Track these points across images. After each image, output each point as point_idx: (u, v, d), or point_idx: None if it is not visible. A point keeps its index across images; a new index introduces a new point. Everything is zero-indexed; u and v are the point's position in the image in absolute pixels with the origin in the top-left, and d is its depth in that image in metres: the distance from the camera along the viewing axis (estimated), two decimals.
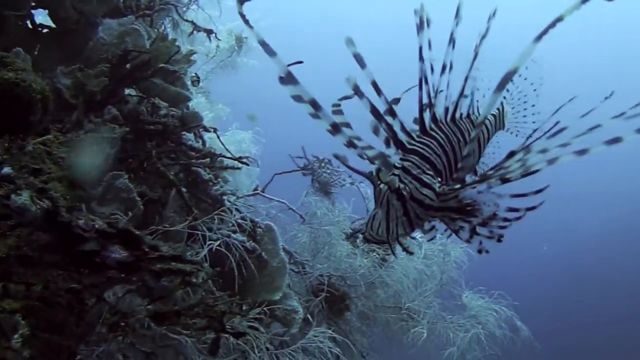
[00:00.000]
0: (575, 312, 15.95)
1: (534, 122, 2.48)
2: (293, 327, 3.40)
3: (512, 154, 1.84)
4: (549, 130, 1.83)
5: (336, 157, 1.96)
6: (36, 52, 3.38)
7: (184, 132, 3.46)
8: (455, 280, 4.96)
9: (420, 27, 1.89)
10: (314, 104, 1.65)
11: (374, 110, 1.79)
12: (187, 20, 4.77)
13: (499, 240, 1.92)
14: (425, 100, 1.99)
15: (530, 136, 1.90)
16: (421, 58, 1.91)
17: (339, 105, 2.02)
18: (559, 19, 1.40)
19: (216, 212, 3.10)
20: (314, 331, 3.52)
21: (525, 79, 2.52)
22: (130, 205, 2.71)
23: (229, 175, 4.12)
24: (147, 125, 3.28)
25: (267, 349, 3.11)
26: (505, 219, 1.87)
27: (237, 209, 3.40)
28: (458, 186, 1.86)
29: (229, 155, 3.69)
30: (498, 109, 2.45)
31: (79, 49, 3.44)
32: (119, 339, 1.81)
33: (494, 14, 2.07)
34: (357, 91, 1.72)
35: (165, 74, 3.41)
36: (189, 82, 3.68)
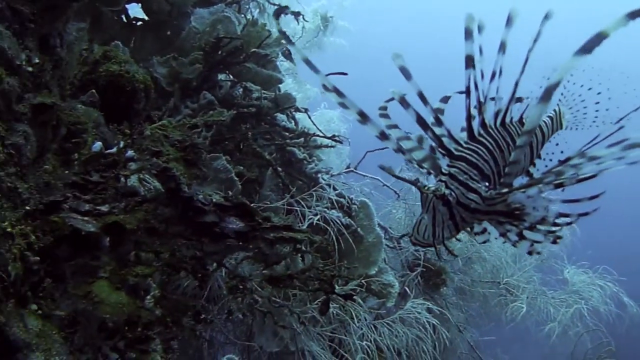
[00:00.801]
0: None
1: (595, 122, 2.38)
2: (389, 300, 3.46)
3: (567, 160, 1.82)
4: (607, 137, 1.80)
5: (382, 168, 1.99)
6: (132, 44, 3.58)
7: (276, 114, 3.57)
8: (556, 254, 4.81)
9: (467, 36, 1.86)
10: (362, 114, 1.73)
11: (421, 120, 1.82)
12: (273, 4, 4.84)
13: (554, 242, 1.91)
14: (474, 105, 1.98)
15: (589, 143, 1.88)
16: (468, 66, 1.89)
17: (386, 108, 2.05)
18: (603, 35, 1.33)
19: (314, 189, 3.19)
20: (411, 302, 3.56)
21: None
22: (230, 185, 2.84)
23: (321, 154, 4.19)
24: (241, 108, 3.41)
25: (366, 319, 3.19)
26: (555, 224, 1.86)
27: (332, 187, 3.47)
28: (505, 190, 1.87)
29: (321, 134, 3.77)
30: (555, 110, 2.38)
31: (173, 39, 3.61)
32: (238, 300, 1.97)
33: (546, 16, 1.98)
34: (403, 102, 1.77)
35: (257, 58, 3.51)
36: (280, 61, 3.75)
